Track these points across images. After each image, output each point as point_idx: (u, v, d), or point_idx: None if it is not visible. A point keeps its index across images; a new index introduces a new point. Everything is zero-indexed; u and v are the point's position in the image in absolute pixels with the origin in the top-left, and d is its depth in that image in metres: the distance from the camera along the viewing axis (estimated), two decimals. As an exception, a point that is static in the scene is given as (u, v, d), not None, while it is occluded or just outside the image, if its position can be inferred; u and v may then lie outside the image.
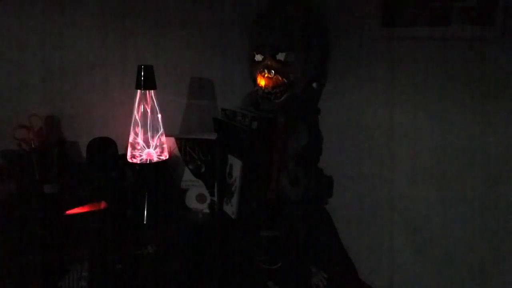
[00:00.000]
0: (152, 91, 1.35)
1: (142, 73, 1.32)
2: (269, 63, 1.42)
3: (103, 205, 1.35)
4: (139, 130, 1.35)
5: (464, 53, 1.03)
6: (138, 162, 1.36)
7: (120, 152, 1.44)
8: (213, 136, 1.55)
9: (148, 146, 1.36)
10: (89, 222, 1.29)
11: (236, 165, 1.48)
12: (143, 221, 1.36)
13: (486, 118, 0.99)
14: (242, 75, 1.68)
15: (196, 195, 1.53)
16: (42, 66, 1.45)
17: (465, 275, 1.07)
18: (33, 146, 1.38)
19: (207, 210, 1.52)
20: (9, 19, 1.39)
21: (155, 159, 1.37)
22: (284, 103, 1.46)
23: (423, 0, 1.10)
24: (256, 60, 1.47)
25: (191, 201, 1.53)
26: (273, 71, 1.41)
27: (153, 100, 1.35)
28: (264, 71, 1.43)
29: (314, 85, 1.49)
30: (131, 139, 1.36)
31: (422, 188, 1.17)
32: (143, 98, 1.34)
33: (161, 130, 1.40)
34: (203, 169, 1.54)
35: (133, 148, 1.36)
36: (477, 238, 1.03)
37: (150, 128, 1.36)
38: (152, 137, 1.37)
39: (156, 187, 1.40)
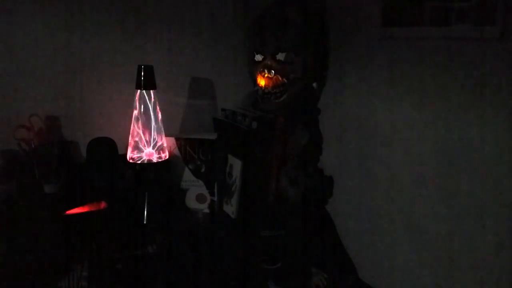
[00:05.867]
0: (152, 91, 1.35)
1: (142, 73, 1.32)
2: (269, 63, 1.42)
3: (103, 205, 1.35)
4: (139, 130, 1.35)
5: (464, 53, 1.03)
6: (138, 162, 1.36)
7: (120, 152, 1.44)
8: (213, 136, 1.55)
9: (148, 146, 1.36)
10: (89, 222, 1.29)
11: (236, 165, 1.48)
12: (143, 221, 1.36)
13: (486, 118, 0.99)
14: (242, 75, 1.68)
15: (196, 195, 1.53)
16: (42, 66, 1.45)
17: (466, 275, 1.07)
18: (33, 146, 1.38)
19: (207, 210, 1.52)
20: (9, 19, 1.39)
21: (155, 159, 1.37)
22: (284, 103, 1.46)
23: (423, 0, 1.10)
24: (256, 60, 1.47)
25: (191, 201, 1.53)
26: (273, 71, 1.41)
27: (153, 100, 1.35)
28: (264, 71, 1.43)
29: (314, 85, 1.49)
30: (131, 139, 1.36)
31: (422, 187, 1.17)
32: (143, 98, 1.34)
33: (161, 130, 1.40)
34: (203, 169, 1.54)
35: (133, 148, 1.36)
36: (479, 238, 1.03)
37: (150, 128, 1.36)
38: (152, 137, 1.37)
39: (156, 187, 1.40)
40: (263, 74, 1.44)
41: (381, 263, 1.33)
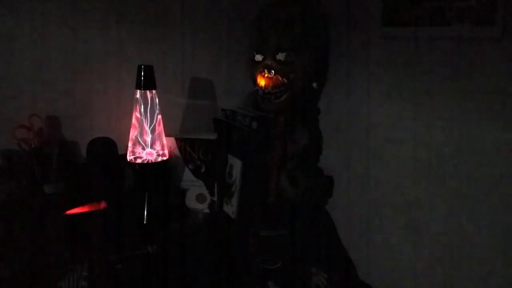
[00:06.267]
0: (152, 91, 1.35)
1: (142, 73, 1.32)
2: (269, 63, 1.42)
3: (103, 205, 1.35)
4: (139, 130, 1.35)
5: (464, 53, 1.03)
6: (138, 162, 1.36)
7: (120, 152, 1.44)
8: (213, 136, 1.55)
9: (148, 146, 1.36)
10: (89, 222, 1.29)
11: (236, 165, 1.48)
12: (143, 221, 1.36)
13: (486, 118, 0.99)
14: (242, 75, 1.68)
15: (196, 195, 1.53)
16: (42, 66, 1.45)
17: (466, 275, 1.07)
18: (33, 146, 1.38)
19: (207, 210, 1.52)
20: (8, 20, 1.39)
21: (155, 159, 1.37)
22: (284, 103, 1.46)
23: (423, 0, 1.10)
24: (256, 60, 1.47)
25: (191, 201, 1.53)
26: (273, 71, 1.41)
27: (153, 100, 1.35)
28: (264, 71, 1.43)
29: (314, 85, 1.49)
30: (131, 139, 1.36)
31: (423, 187, 1.17)
32: (143, 98, 1.34)
33: (161, 130, 1.40)
34: (203, 169, 1.54)
35: (133, 148, 1.36)
36: (478, 238, 1.03)
37: (150, 128, 1.36)
38: (152, 137, 1.37)
39: (156, 187, 1.40)
40: (263, 74, 1.44)
41: (381, 263, 1.33)
